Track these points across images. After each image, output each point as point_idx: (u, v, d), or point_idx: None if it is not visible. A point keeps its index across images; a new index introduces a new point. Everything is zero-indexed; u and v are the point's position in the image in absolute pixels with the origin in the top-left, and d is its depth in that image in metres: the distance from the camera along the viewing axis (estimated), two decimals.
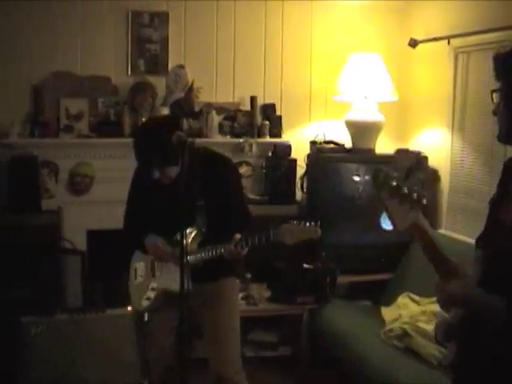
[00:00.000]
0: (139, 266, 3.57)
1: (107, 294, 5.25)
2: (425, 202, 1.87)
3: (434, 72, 5.13)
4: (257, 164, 5.35)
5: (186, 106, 5.09)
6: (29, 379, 4.01)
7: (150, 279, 3.48)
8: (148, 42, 5.19)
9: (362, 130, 5.18)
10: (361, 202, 5.08)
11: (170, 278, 3.25)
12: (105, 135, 5.04)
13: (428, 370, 3.71)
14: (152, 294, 3.46)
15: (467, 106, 4.82)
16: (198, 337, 3.67)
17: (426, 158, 5.12)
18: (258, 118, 5.34)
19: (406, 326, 4.07)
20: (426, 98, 5.22)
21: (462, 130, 4.86)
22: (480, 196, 4.58)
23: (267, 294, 4.93)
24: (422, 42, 5.08)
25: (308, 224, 3.11)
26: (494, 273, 2.03)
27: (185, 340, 2.81)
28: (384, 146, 5.40)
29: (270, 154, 5.29)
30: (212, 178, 3.36)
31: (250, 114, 5.30)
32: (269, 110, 5.37)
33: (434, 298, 4.15)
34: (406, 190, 1.87)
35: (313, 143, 5.25)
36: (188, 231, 3.24)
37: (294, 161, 5.26)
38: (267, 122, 5.30)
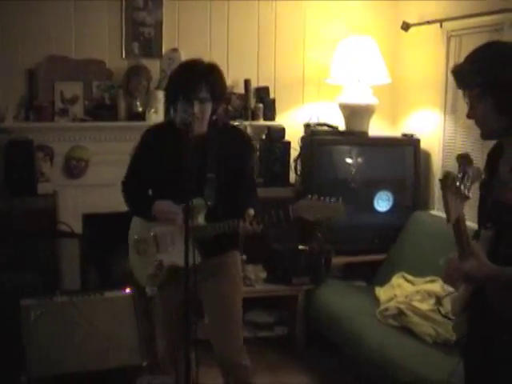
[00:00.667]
0: (140, 240, 3.42)
1: (103, 276, 5.31)
2: (471, 195, 2.07)
3: (427, 55, 5.17)
4: None
5: None
6: (29, 361, 4.05)
7: (154, 255, 3.34)
8: (142, 26, 5.17)
9: (355, 113, 5.23)
10: (354, 185, 5.15)
11: (177, 253, 3.09)
12: (100, 119, 5.03)
13: (423, 348, 3.79)
14: (157, 271, 3.32)
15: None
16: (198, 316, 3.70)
17: (418, 140, 5.19)
18: (252, 101, 5.35)
19: (401, 306, 4.14)
20: (419, 80, 5.27)
21: (455, 112, 4.91)
22: None
23: (263, 275, 4.98)
24: (415, 25, 5.12)
25: (330, 200, 3.02)
26: (503, 250, 2.20)
27: (191, 317, 2.82)
28: (377, 128, 5.44)
29: (263, 136, 5.32)
30: (228, 151, 3.27)
31: (244, 97, 5.32)
32: (262, 93, 5.38)
33: (428, 278, 4.28)
34: (462, 189, 2.04)
35: (306, 126, 5.30)
36: (194, 203, 3.11)
37: (288, 143, 5.29)
38: (261, 105, 5.32)
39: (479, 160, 4.55)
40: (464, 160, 2.10)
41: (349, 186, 5.12)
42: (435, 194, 5.16)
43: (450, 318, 2.57)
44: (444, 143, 5.03)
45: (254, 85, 5.38)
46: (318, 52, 5.48)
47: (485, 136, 2.32)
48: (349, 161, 5.18)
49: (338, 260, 5.01)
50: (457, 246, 2.20)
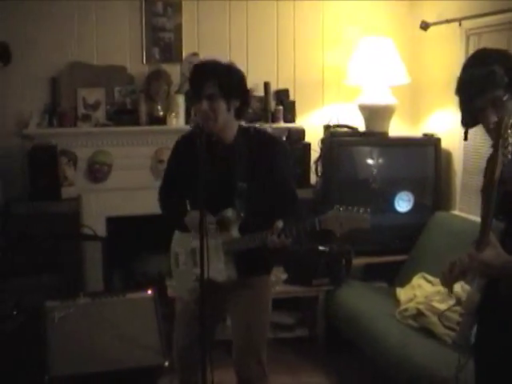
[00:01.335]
0: (180, 252, 3.36)
1: (126, 278, 5.38)
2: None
3: (446, 54, 5.15)
4: None
5: None
6: (52, 362, 4.12)
7: (193, 267, 3.23)
8: (162, 31, 5.26)
9: (374, 114, 5.23)
10: (375, 185, 5.15)
11: (214, 268, 3.05)
12: (122, 123, 5.12)
13: (442, 349, 3.77)
14: (196, 284, 3.11)
15: None
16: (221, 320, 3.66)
17: (439, 139, 5.18)
18: (272, 104, 5.40)
19: (420, 306, 4.13)
20: (438, 80, 5.25)
21: None
22: None
23: (284, 276, 5.00)
24: (434, 24, 5.11)
25: (356, 210, 2.94)
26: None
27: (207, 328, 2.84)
28: (397, 128, 5.45)
29: (284, 138, 5.34)
30: (259, 159, 3.15)
31: (264, 100, 5.36)
32: (282, 96, 5.42)
33: None
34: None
35: (326, 127, 5.32)
36: (226, 214, 3.09)
37: (308, 145, 5.32)
38: (281, 108, 5.36)
39: None
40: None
41: (369, 186, 5.13)
42: (456, 194, 5.14)
43: (453, 329, 2.58)
44: (465, 142, 5.00)
45: (273, 87, 5.43)
46: (337, 53, 5.51)
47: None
48: (369, 161, 5.19)
49: (358, 261, 5.01)
50: (480, 231, 2.23)
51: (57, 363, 4.13)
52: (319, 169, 5.33)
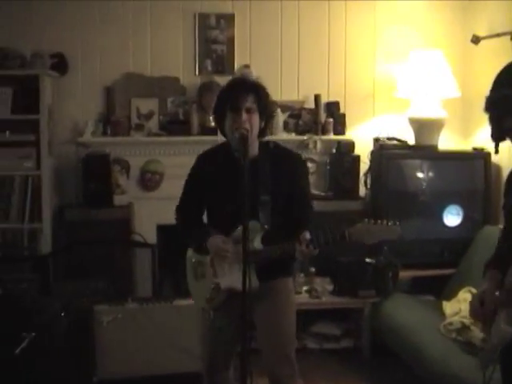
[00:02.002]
0: (198, 263, 3.41)
1: (175, 285, 5.46)
2: None
3: (497, 68, 5.07)
4: (321, 161, 5.45)
5: None
6: (100, 364, 4.23)
7: (212, 278, 3.29)
8: (214, 43, 5.36)
9: (424, 127, 5.23)
10: (424, 198, 5.15)
11: (234, 277, 3.10)
12: (174, 133, 5.23)
13: None
14: (215, 294, 3.28)
15: None
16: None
17: (489, 153, 5.14)
18: (322, 116, 5.44)
19: (465, 320, 4.10)
20: None
21: None
22: None
23: (330, 287, 5.03)
24: (485, 38, 5.09)
25: (386, 223, 2.98)
26: None
27: (246, 338, 2.81)
28: (447, 142, 5.44)
29: (333, 150, 5.39)
30: (281, 173, 3.23)
31: (315, 112, 5.41)
32: (332, 108, 5.46)
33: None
34: None
35: (376, 140, 5.33)
36: (250, 226, 3.02)
37: (358, 157, 5.35)
38: (331, 120, 5.40)
39: None
40: None
41: (418, 199, 5.13)
42: None
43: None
44: None
45: (324, 99, 5.46)
46: (388, 66, 5.52)
47: None
48: (419, 175, 5.18)
49: (405, 273, 5.00)
50: None
51: (104, 366, 4.26)
52: (368, 181, 5.35)
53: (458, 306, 4.40)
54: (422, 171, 5.18)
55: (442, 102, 5.25)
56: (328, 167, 5.43)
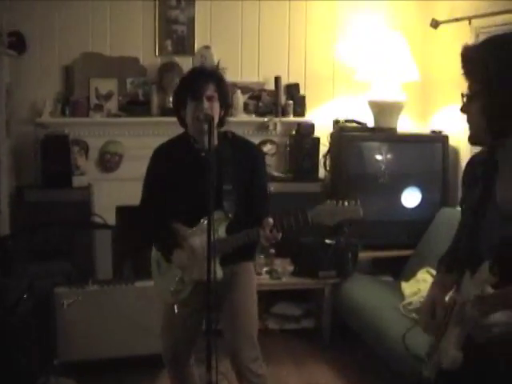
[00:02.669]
0: (161, 258, 3.39)
1: (134, 267, 5.44)
2: None
3: (456, 52, 5.16)
4: (281, 142, 5.47)
5: None
6: (61, 347, 4.20)
7: (177, 270, 3.29)
8: (175, 23, 5.31)
9: (384, 110, 5.27)
10: (383, 180, 5.20)
11: (200, 268, 3.08)
12: (133, 114, 5.20)
13: None
14: (180, 286, 3.29)
15: None
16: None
17: (446, 136, 5.22)
18: (282, 98, 5.45)
19: None
20: (448, 77, 5.27)
21: None
22: None
23: (290, 268, 5.06)
24: (444, 22, 5.16)
25: (347, 203, 3.01)
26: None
27: (211, 326, 2.80)
28: (406, 124, 5.51)
29: (293, 132, 5.42)
30: (242, 163, 3.28)
31: (275, 94, 5.41)
32: (293, 90, 5.48)
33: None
34: None
35: (336, 122, 5.37)
36: (215, 217, 3.01)
37: (318, 139, 5.37)
38: (291, 102, 5.42)
39: None
40: None
41: (377, 181, 5.17)
42: None
43: None
44: None
45: (284, 81, 5.47)
46: (348, 49, 5.55)
47: (470, 139, 2.04)
48: (378, 157, 5.23)
49: (365, 254, 5.07)
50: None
51: (65, 349, 4.23)
52: (328, 163, 5.39)
53: (417, 286, 4.47)
54: (381, 153, 5.23)
55: (401, 85, 5.29)
56: (288, 149, 5.45)
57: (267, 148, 5.39)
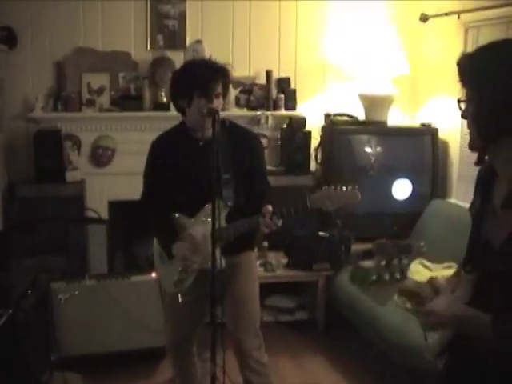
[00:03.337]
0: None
1: (126, 261, 5.46)
2: (408, 275, 1.99)
3: (445, 46, 5.24)
4: (272, 136, 5.50)
5: None
6: (59, 341, 4.20)
7: (178, 262, 3.28)
8: (166, 18, 5.32)
9: (374, 103, 5.33)
10: (374, 173, 5.25)
11: (203, 258, 3.16)
12: (126, 109, 5.20)
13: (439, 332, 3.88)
14: (183, 275, 3.31)
15: None
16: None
17: (436, 129, 5.29)
18: (274, 92, 5.47)
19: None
20: (437, 71, 5.34)
21: None
22: None
23: (284, 260, 5.11)
24: (433, 16, 5.22)
25: (345, 188, 3.06)
26: (484, 296, 1.97)
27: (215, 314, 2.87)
28: (396, 118, 5.57)
29: (285, 126, 5.45)
30: (240, 151, 3.29)
31: (266, 88, 5.44)
32: (284, 84, 5.51)
33: (446, 264, 4.37)
34: (387, 277, 1.98)
35: (327, 116, 5.41)
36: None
37: (309, 133, 5.41)
38: (282, 96, 5.45)
39: None
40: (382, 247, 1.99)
41: (368, 174, 5.23)
42: (453, 183, 5.26)
43: None
44: (462, 133, 5.11)
45: (275, 75, 5.49)
46: (338, 43, 5.57)
47: (469, 145, 2.05)
48: (368, 150, 5.28)
49: (357, 246, 5.10)
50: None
51: (63, 343, 4.24)
52: (319, 156, 5.43)
53: (411, 277, 4.52)
54: (372, 146, 5.29)
55: (391, 78, 5.35)
56: (279, 142, 5.48)
57: None
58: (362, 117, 5.43)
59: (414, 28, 5.51)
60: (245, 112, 5.41)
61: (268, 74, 5.43)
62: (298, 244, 5.04)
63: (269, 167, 5.29)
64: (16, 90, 5.12)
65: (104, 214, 5.17)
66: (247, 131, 3.53)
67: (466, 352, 2.03)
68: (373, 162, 5.27)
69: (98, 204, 5.12)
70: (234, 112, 5.32)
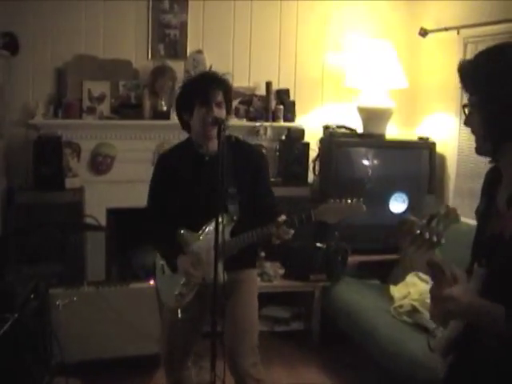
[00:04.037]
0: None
1: (124, 269, 5.46)
2: (443, 241, 1.92)
3: (444, 61, 5.29)
4: (271, 147, 5.52)
5: None
6: (57, 348, 4.19)
7: (180, 276, 3.32)
8: (167, 28, 5.35)
9: (373, 116, 5.37)
10: (371, 185, 5.29)
11: (205, 271, 3.17)
12: (126, 117, 5.21)
13: None
14: (184, 290, 3.34)
15: None
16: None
17: (433, 143, 5.33)
18: (273, 103, 5.50)
19: (415, 303, 4.26)
20: (436, 85, 5.40)
21: None
22: None
23: (281, 271, 5.13)
24: (432, 31, 5.27)
25: (350, 201, 3.13)
26: (495, 288, 1.98)
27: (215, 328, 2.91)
28: (394, 131, 5.62)
29: (283, 137, 5.48)
30: (245, 166, 3.32)
31: (265, 99, 5.47)
32: (283, 95, 5.54)
33: None
34: (427, 236, 1.92)
35: (325, 128, 5.45)
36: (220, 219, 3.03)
37: (307, 144, 5.45)
38: (281, 107, 5.48)
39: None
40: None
41: (365, 186, 5.26)
42: (449, 196, 5.30)
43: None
44: (459, 147, 5.16)
45: (275, 87, 5.53)
46: (337, 55, 5.64)
47: (476, 151, 2.07)
48: (366, 162, 5.32)
49: (353, 258, 5.13)
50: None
51: (61, 350, 4.22)
52: (317, 168, 5.46)
53: (407, 289, 4.55)
54: (370, 159, 5.33)
55: (389, 92, 5.39)
56: (277, 153, 5.51)
57: None
58: (360, 129, 5.46)
59: (414, 42, 5.57)
60: (244, 122, 5.44)
61: (268, 85, 5.46)
62: (295, 254, 5.06)
63: None
64: (17, 96, 5.13)
65: (102, 221, 5.16)
66: (252, 147, 3.61)
67: (471, 350, 2.05)
68: (370, 175, 5.30)
69: (96, 211, 5.10)
70: (233, 122, 5.32)
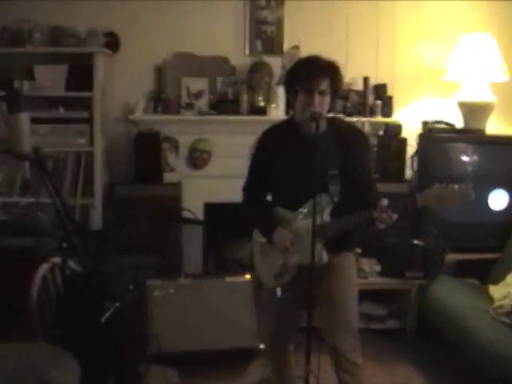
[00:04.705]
0: (264, 241, 3.43)
1: (219, 262, 5.54)
2: None
3: None
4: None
5: None
6: (153, 338, 4.29)
7: (279, 255, 3.32)
8: (264, 24, 5.39)
9: (473, 111, 5.24)
10: (470, 182, 5.14)
11: (304, 253, 3.12)
12: (223, 112, 5.26)
13: None
14: (283, 270, 3.34)
15: None
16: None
17: None
18: (370, 98, 5.46)
19: None
20: None
21: None
22: None
23: (377, 268, 5.08)
24: None
25: (457, 186, 3.02)
26: None
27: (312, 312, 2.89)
28: (494, 126, 5.46)
29: (381, 133, 5.42)
30: (347, 148, 3.26)
31: (362, 94, 5.43)
32: (380, 90, 5.48)
33: None
34: None
35: (425, 123, 5.36)
36: (319, 200, 3.05)
37: (405, 140, 5.36)
38: (379, 102, 5.42)
39: None
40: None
41: (464, 183, 5.13)
42: None
43: None
44: None
45: (372, 82, 5.48)
46: (437, 49, 5.52)
47: None
48: (465, 158, 5.19)
49: (450, 257, 5.01)
50: None
51: (157, 340, 4.33)
52: (415, 164, 5.37)
53: (506, 289, 4.43)
54: (470, 155, 5.19)
55: (490, 85, 5.24)
56: (375, 149, 5.44)
57: None
58: (459, 124, 5.34)
59: None
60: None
61: (365, 80, 5.42)
62: (392, 251, 5.00)
63: None
64: (118, 92, 5.29)
65: (199, 215, 5.26)
66: (355, 128, 3.55)
67: None
68: (469, 171, 5.18)
69: (193, 206, 5.20)
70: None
